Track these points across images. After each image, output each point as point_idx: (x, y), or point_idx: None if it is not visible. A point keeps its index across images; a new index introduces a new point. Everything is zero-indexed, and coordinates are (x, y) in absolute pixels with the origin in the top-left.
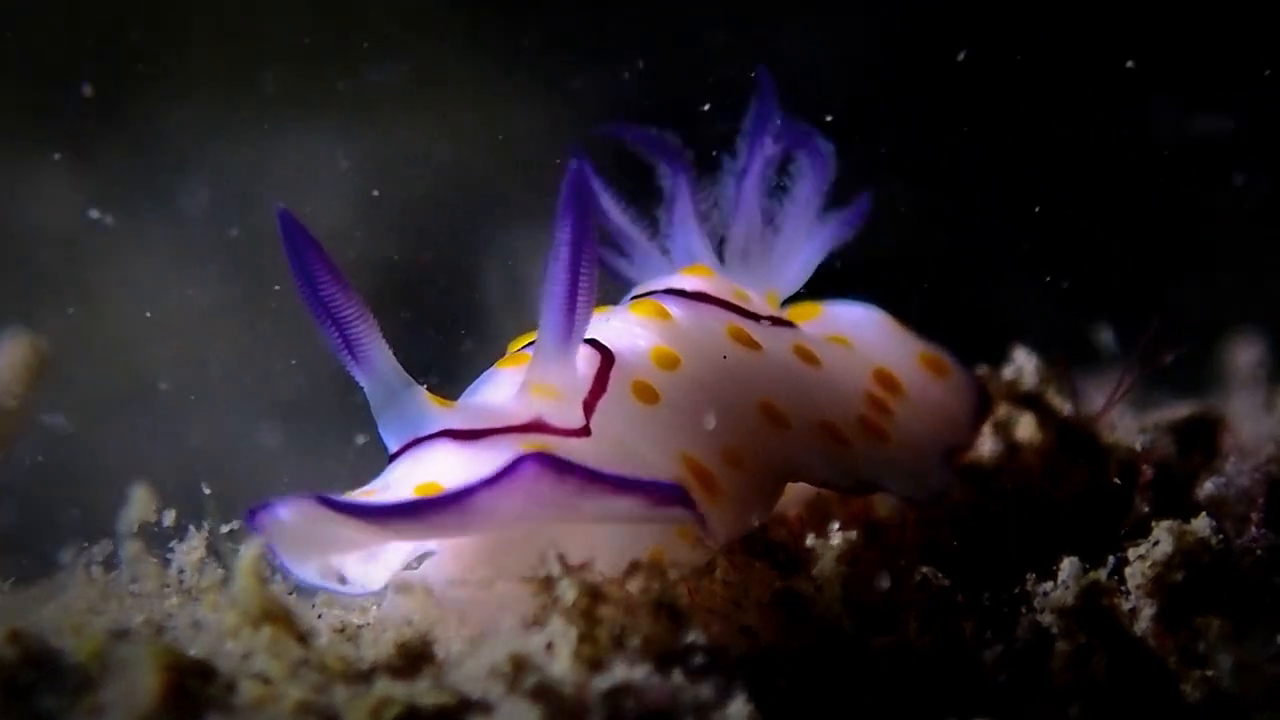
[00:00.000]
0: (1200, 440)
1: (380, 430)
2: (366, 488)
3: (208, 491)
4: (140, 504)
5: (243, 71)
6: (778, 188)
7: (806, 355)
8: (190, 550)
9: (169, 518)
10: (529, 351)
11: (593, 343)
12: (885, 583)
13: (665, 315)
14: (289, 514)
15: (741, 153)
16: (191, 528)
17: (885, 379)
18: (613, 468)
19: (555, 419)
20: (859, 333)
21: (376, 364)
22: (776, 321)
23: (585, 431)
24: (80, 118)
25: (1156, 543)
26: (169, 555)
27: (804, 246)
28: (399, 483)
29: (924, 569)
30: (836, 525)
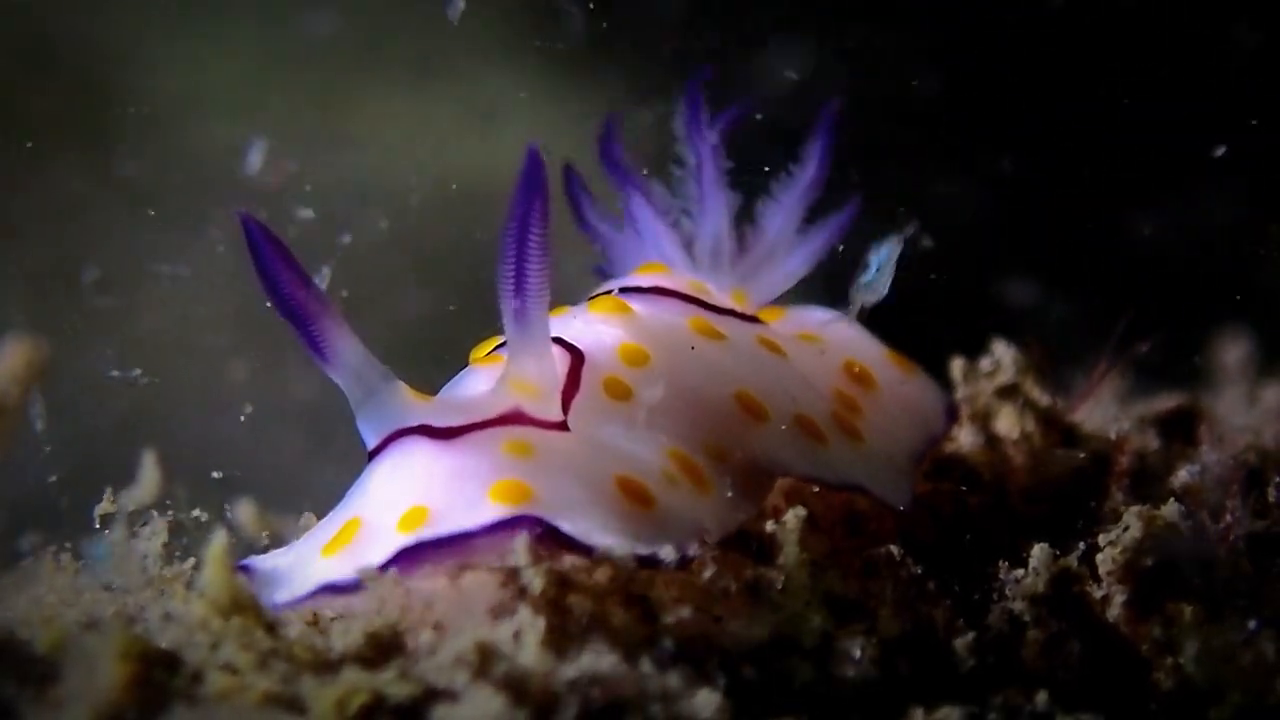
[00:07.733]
0: (1181, 432)
1: (359, 425)
2: (345, 499)
3: (217, 475)
4: (148, 477)
5: (280, 86)
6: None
7: (771, 346)
8: (153, 535)
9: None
10: (503, 352)
11: (559, 341)
12: (856, 571)
13: (625, 310)
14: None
15: (687, 153)
16: (154, 513)
17: (856, 374)
18: (598, 468)
19: (534, 410)
20: (825, 332)
21: (345, 359)
22: (739, 315)
23: (564, 427)
24: (123, 133)
25: (1126, 528)
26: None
27: (785, 258)
28: (380, 509)
29: (896, 555)
30: (796, 510)
